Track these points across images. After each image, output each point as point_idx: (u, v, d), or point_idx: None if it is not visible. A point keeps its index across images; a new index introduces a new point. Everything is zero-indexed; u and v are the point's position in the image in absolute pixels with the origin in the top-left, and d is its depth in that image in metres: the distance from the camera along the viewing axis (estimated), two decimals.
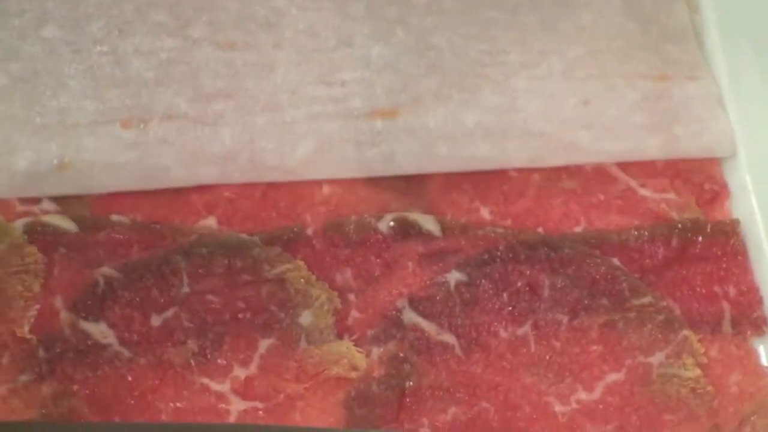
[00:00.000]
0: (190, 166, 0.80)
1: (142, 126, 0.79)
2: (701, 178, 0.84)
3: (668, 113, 0.84)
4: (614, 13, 0.86)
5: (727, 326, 0.80)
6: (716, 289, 0.81)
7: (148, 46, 0.80)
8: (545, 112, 0.83)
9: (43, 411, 0.73)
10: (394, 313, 0.78)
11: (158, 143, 0.80)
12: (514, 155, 0.81)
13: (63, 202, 0.80)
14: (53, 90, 0.80)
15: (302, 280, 0.78)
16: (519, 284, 0.79)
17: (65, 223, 0.79)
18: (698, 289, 0.81)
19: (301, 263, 0.78)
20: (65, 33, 0.80)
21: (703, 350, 0.79)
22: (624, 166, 0.84)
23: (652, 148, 0.83)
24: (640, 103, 0.84)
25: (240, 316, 0.77)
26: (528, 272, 0.79)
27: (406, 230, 0.81)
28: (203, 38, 0.81)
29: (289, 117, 0.81)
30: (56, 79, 0.80)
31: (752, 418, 0.78)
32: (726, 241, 0.81)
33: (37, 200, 0.80)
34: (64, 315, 0.76)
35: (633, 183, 0.84)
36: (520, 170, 0.83)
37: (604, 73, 0.84)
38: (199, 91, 0.80)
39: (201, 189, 0.81)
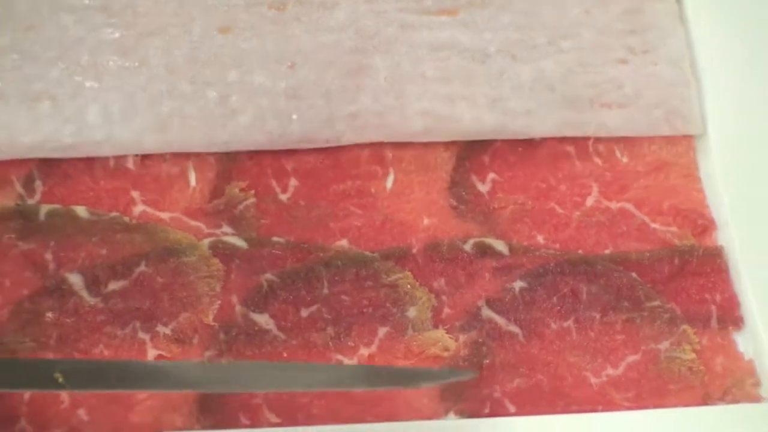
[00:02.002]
0: (313, 34, 0.94)
1: (281, 7, 0.95)
2: (695, 216, 0.90)
3: (642, 23, 0.96)
4: None
5: (714, 323, 0.87)
6: (706, 296, 0.88)
7: None
8: (557, 18, 0.96)
9: None
10: (475, 310, 0.86)
11: (292, 20, 0.95)
12: (537, 38, 0.95)
13: (238, 227, 0.89)
14: None
15: (409, 285, 0.86)
16: (564, 290, 0.87)
17: (239, 242, 0.88)
18: (693, 296, 0.88)
19: (409, 273, 0.87)
20: None
21: (697, 340, 0.86)
22: (639, 206, 0.91)
23: (630, 47, 0.95)
24: (624, 14, 0.97)
25: (364, 310, 0.86)
26: (571, 282, 0.87)
27: (484, 251, 0.88)
28: None
29: (382, 8, 0.96)
30: None
31: (732, 389, 0.85)
32: (713, 262, 0.89)
33: (219, 224, 0.89)
34: (238, 308, 0.85)
35: (647, 219, 0.91)
36: (564, 207, 0.91)
37: None
38: None
39: (336, 218, 0.89)
